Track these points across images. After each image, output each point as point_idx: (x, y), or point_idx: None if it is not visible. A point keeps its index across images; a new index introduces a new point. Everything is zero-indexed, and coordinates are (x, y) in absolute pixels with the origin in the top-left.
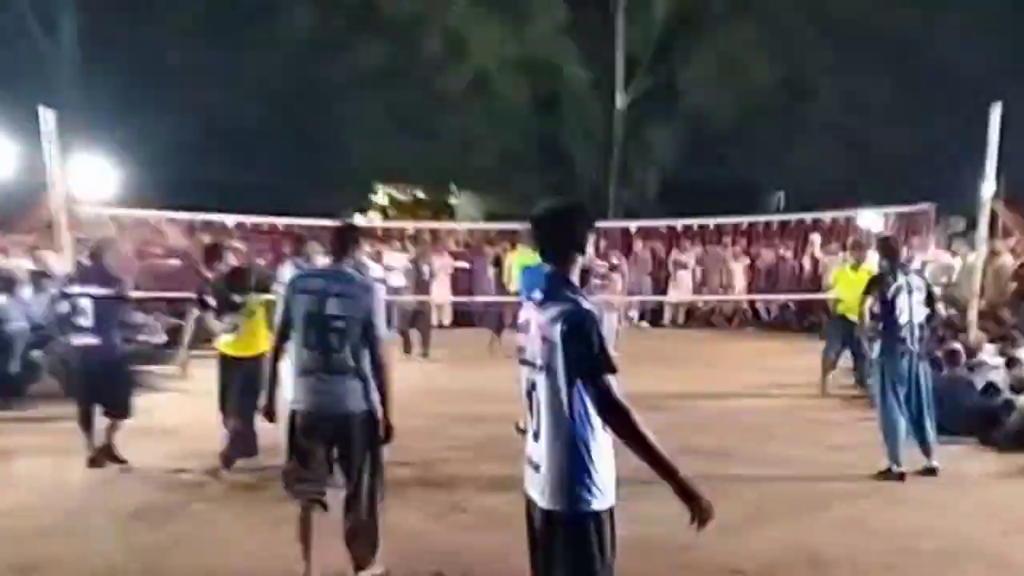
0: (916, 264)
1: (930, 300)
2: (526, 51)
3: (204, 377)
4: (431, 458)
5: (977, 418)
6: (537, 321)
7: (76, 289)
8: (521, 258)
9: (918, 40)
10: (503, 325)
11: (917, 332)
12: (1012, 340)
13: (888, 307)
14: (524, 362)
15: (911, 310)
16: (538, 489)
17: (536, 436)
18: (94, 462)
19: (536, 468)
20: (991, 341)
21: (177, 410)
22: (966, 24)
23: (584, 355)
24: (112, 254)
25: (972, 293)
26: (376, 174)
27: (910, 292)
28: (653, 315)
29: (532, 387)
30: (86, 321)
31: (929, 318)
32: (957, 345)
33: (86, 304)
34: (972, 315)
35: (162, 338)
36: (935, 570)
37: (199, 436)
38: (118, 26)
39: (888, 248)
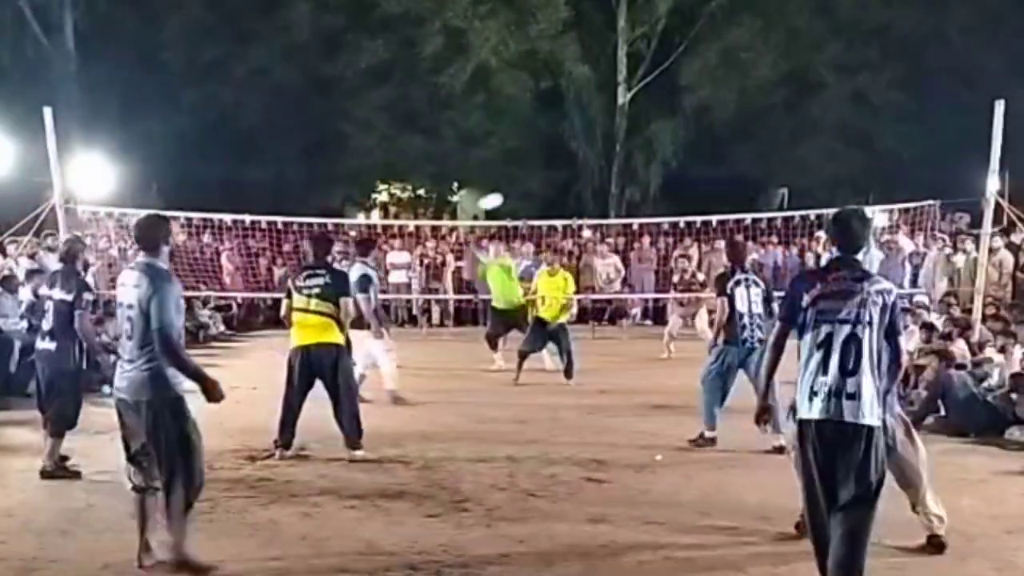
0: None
1: (768, 298)
2: (528, 47)
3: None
4: (431, 458)
5: (982, 416)
6: (868, 290)
7: (44, 291)
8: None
9: (925, 38)
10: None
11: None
12: (1015, 337)
13: (730, 301)
14: (839, 321)
15: (750, 303)
16: (851, 411)
17: (851, 372)
18: None
19: (850, 396)
20: (997, 335)
21: None
22: (973, 22)
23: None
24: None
25: (976, 290)
26: (378, 171)
27: (748, 287)
28: (657, 312)
29: (848, 339)
30: (45, 325)
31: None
32: (954, 348)
33: (48, 307)
34: (976, 312)
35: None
36: (940, 569)
37: None
38: (118, 26)
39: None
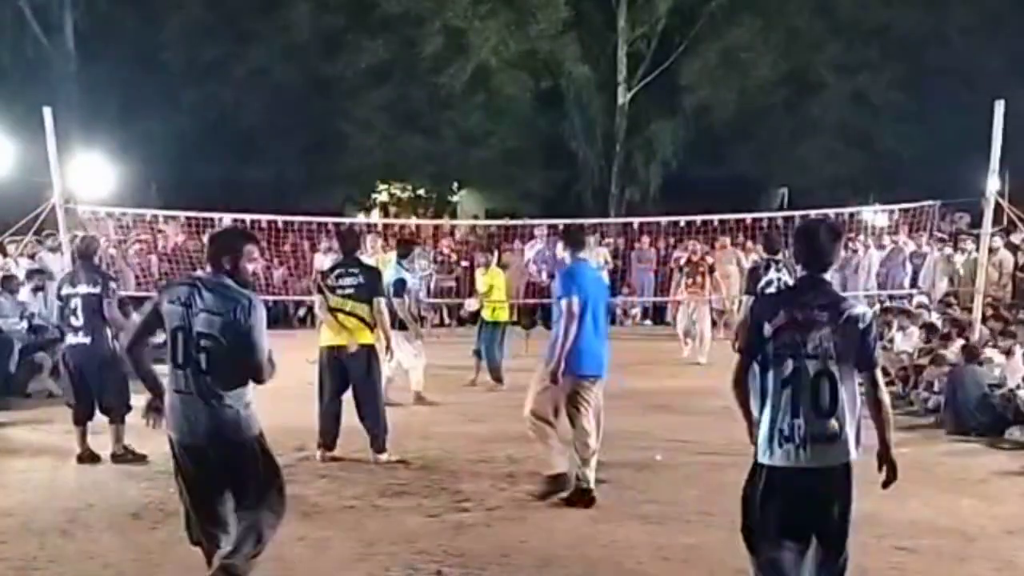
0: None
1: None
2: (528, 47)
3: None
4: (431, 458)
5: (983, 416)
6: (839, 317)
7: (67, 290)
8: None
9: (925, 38)
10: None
11: None
12: (1014, 336)
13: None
14: (807, 356)
15: None
16: (830, 455)
17: (828, 412)
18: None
19: (831, 439)
20: (997, 335)
21: None
22: (973, 22)
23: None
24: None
25: (976, 290)
26: (378, 171)
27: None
28: (657, 312)
29: (819, 375)
30: (76, 321)
31: None
32: (953, 348)
33: (77, 303)
34: (976, 312)
35: (161, 338)
36: (941, 570)
37: None
38: (118, 25)
39: (768, 243)
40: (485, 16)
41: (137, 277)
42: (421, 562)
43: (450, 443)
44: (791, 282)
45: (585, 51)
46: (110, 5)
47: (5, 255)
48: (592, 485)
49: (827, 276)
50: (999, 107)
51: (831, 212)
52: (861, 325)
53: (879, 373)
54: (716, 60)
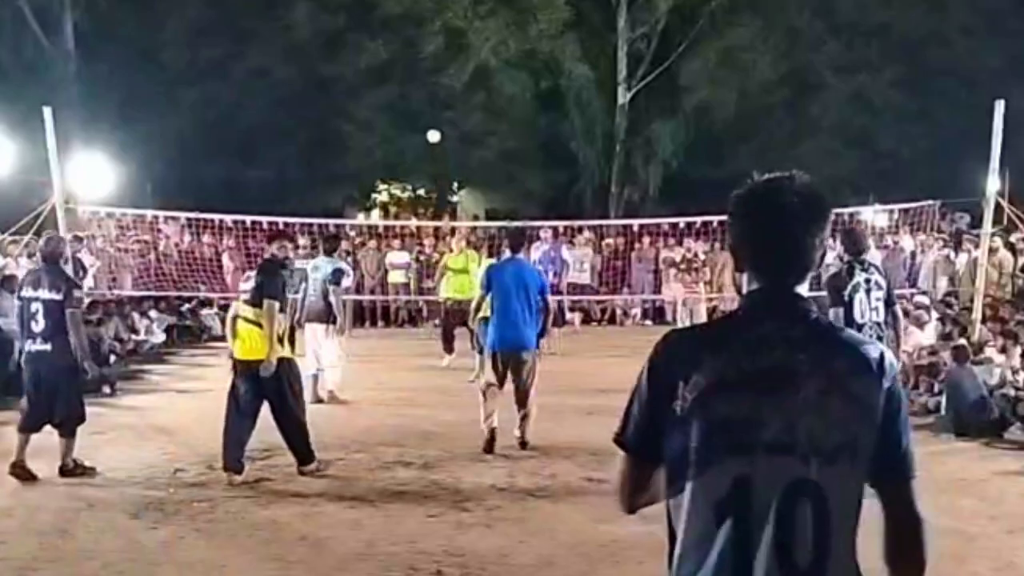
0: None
1: (889, 300)
2: (528, 47)
3: (204, 376)
4: (431, 458)
5: (983, 416)
6: (833, 365)
7: (28, 293)
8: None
9: (925, 38)
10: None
11: (876, 332)
12: (1015, 337)
13: (846, 306)
14: (767, 446)
15: (870, 309)
16: None
17: (809, 572)
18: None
19: None
20: (996, 336)
21: (177, 410)
22: (973, 22)
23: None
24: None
25: (976, 290)
26: (378, 171)
27: (868, 290)
28: (657, 313)
29: (794, 491)
30: (36, 326)
31: (888, 318)
32: (964, 341)
33: (38, 308)
34: (976, 312)
35: (160, 338)
36: (940, 570)
37: (198, 436)
38: (118, 25)
39: (851, 241)
40: (485, 16)
41: (136, 277)
42: (421, 562)
43: (450, 443)
44: (884, 284)
45: (585, 51)
46: (110, 5)
47: (5, 255)
48: (490, 427)
49: (803, 289)
50: (999, 107)
51: (830, 211)
52: (883, 383)
53: (915, 488)
54: (716, 60)
